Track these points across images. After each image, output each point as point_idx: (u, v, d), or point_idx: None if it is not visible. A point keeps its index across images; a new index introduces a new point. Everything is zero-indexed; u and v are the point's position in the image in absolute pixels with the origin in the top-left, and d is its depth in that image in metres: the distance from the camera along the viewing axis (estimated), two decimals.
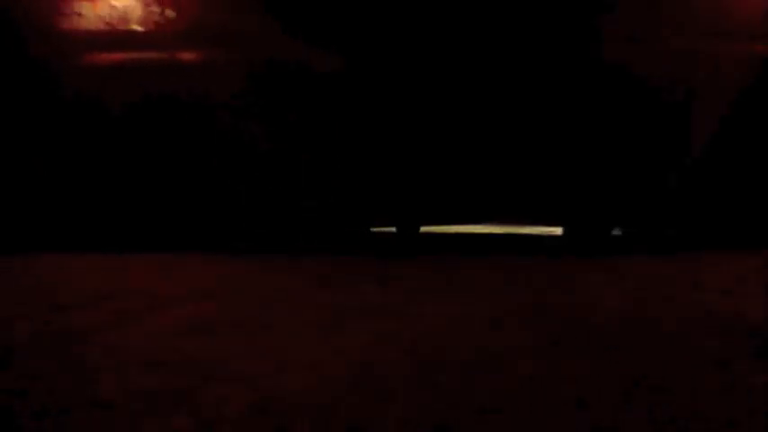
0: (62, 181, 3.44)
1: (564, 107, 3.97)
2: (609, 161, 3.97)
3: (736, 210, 4.19)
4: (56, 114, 3.37)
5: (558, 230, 5.13)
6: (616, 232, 4.95)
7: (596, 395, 1.53)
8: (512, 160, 3.90)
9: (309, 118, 3.54)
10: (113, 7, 3.40)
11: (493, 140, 3.88)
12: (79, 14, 3.42)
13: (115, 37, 3.44)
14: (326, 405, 1.44)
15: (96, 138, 3.48)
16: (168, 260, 3.35)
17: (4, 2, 3.22)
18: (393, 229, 4.71)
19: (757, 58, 3.90)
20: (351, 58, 3.51)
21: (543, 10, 3.81)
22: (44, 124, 3.47)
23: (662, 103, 3.98)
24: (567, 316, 2.29)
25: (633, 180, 4.14)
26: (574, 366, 1.71)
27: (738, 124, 4.01)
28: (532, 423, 1.39)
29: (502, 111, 3.84)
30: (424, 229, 5.04)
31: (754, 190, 4.10)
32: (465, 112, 3.84)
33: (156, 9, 3.42)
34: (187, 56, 3.46)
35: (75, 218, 3.64)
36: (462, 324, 2.18)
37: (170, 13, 3.42)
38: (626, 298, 2.57)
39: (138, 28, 3.43)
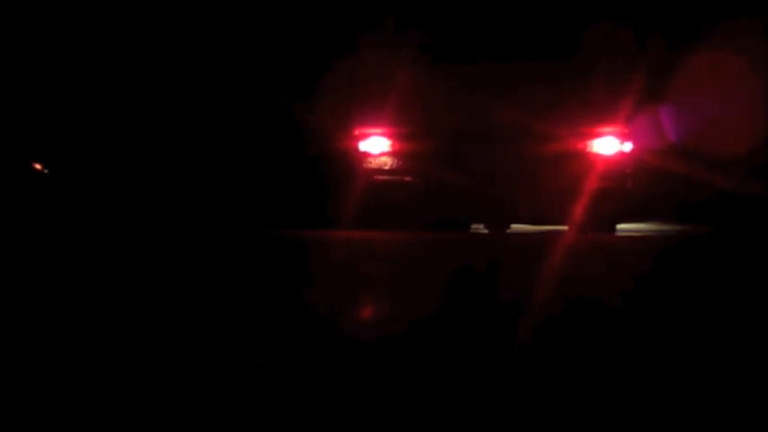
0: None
1: None
2: None
3: None
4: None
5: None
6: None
7: None
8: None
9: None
10: (378, 161, 9.55)
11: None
12: (369, 165, 9.59)
13: (376, 170, 9.60)
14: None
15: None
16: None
17: (350, 164, 9.48)
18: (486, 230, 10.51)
19: None
20: None
21: None
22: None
23: None
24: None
25: None
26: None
27: None
28: None
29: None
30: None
31: None
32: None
33: (385, 160, 9.58)
34: (408, 178, 9.59)
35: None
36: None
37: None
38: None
39: (386, 167, 9.57)
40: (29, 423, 2.33)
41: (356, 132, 9.75)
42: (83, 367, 2.98)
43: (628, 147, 10.09)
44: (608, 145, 9.96)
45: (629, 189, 9.84)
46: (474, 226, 10.83)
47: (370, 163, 9.65)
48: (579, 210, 9.22)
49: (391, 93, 9.48)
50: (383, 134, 9.67)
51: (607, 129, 9.95)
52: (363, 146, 9.75)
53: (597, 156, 9.90)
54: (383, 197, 9.51)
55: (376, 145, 9.71)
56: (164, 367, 2.98)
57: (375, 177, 9.62)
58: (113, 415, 2.38)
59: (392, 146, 9.67)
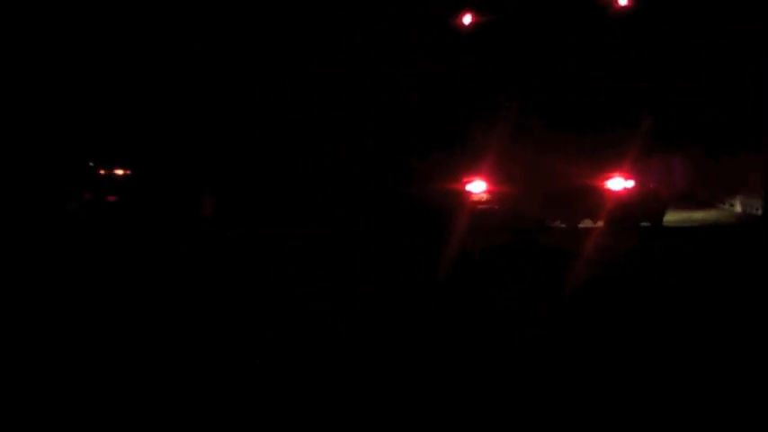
0: None
1: None
2: None
3: None
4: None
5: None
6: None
7: None
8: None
9: None
10: (478, 197, 16.10)
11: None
12: (472, 199, 16.13)
13: (477, 202, 16.16)
14: None
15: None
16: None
17: (461, 198, 16.08)
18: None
19: None
20: None
21: None
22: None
23: None
24: None
25: None
26: None
27: None
28: None
29: None
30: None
31: None
32: None
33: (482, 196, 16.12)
34: (496, 207, 16.10)
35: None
36: None
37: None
38: None
39: (483, 200, 16.09)
40: (29, 423, 2.29)
41: (465, 179, 16.38)
42: (84, 366, 2.84)
43: (630, 183, 16.60)
44: (618, 182, 16.45)
45: (634, 203, 16.24)
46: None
47: (473, 198, 16.28)
48: (602, 215, 15.68)
49: (486, 156, 16.05)
50: (481, 181, 16.31)
51: (617, 173, 16.45)
52: (469, 187, 16.42)
53: (611, 188, 16.41)
54: (480, 218, 16.06)
55: (477, 187, 16.40)
56: (164, 366, 2.87)
57: (476, 207, 16.20)
58: (113, 414, 2.37)
59: (486, 188, 16.31)
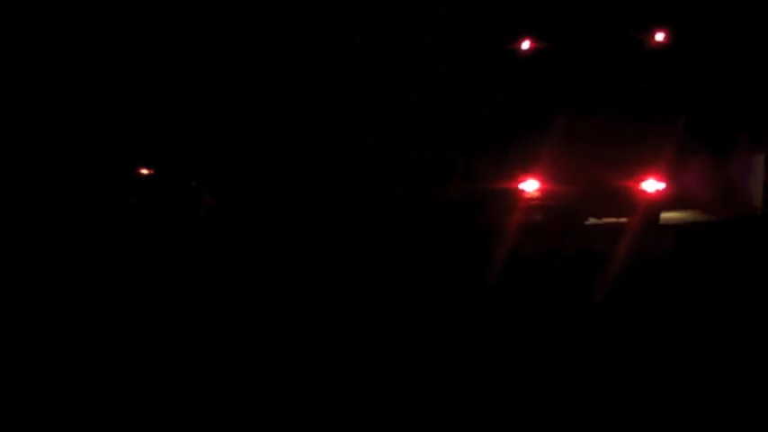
0: None
1: None
2: None
3: None
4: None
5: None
6: None
7: None
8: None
9: None
10: (530, 194, 16.81)
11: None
12: (526, 196, 16.84)
13: (530, 199, 16.92)
14: None
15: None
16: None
17: (515, 195, 16.75)
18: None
19: None
20: None
21: None
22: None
23: None
24: None
25: None
26: None
27: None
28: None
29: None
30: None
31: None
32: None
33: (534, 193, 16.88)
34: (548, 203, 16.87)
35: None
36: None
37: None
38: None
39: (535, 197, 16.83)
40: (29, 423, 2.34)
41: (519, 178, 17.08)
42: (83, 366, 2.89)
43: (661, 185, 17.58)
44: (652, 184, 17.41)
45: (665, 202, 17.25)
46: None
47: (526, 195, 16.99)
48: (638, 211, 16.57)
49: (537, 159, 16.72)
50: (533, 179, 17.05)
51: (652, 176, 17.40)
52: (522, 185, 17.14)
53: (646, 189, 17.36)
54: (533, 212, 16.76)
55: (529, 185, 17.15)
56: (164, 366, 2.92)
57: (529, 203, 16.89)
58: (113, 415, 2.42)
59: (538, 186, 17.04)
